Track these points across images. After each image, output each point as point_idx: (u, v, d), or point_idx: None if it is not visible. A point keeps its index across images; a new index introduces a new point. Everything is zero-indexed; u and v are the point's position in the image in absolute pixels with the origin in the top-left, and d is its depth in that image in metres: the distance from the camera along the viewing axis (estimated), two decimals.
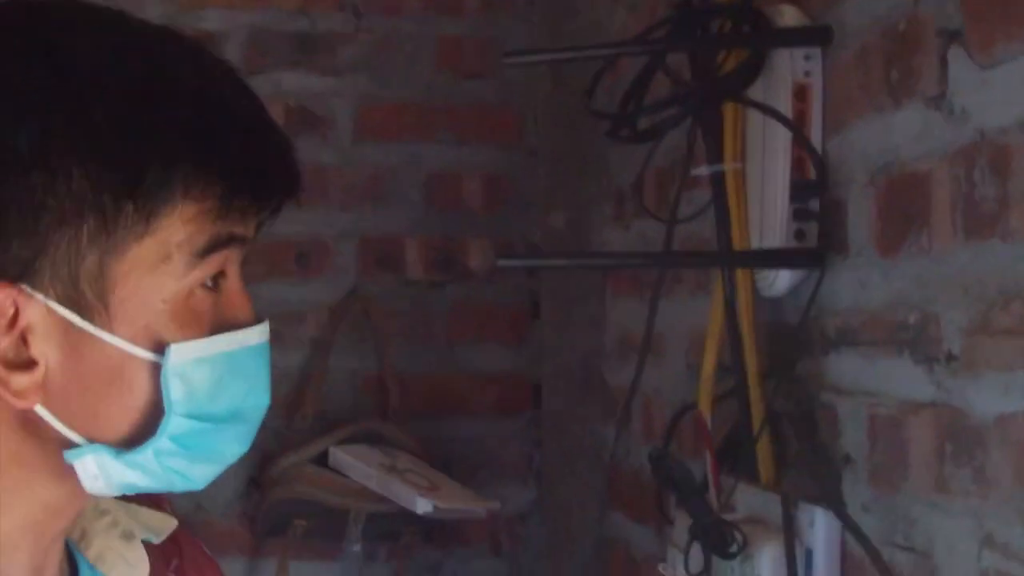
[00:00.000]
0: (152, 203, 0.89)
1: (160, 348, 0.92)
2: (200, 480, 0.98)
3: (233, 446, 0.98)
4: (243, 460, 2.94)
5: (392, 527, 2.48)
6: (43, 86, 0.89)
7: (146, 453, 0.93)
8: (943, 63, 1.18)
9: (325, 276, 2.63)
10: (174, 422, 0.92)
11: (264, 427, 2.98)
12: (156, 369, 0.92)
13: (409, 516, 2.40)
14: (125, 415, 0.93)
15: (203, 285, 0.94)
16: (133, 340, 0.91)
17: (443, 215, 2.67)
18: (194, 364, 0.93)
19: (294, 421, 2.56)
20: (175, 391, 0.92)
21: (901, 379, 1.26)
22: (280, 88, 2.60)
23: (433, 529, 2.53)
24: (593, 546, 2.38)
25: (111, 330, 0.91)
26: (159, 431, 0.93)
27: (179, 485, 0.97)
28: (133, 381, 0.92)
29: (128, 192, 0.89)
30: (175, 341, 0.92)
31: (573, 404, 2.50)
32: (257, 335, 0.97)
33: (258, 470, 2.55)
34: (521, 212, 2.67)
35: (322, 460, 2.48)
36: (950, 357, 1.17)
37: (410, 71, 2.66)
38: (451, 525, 2.57)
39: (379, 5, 2.65)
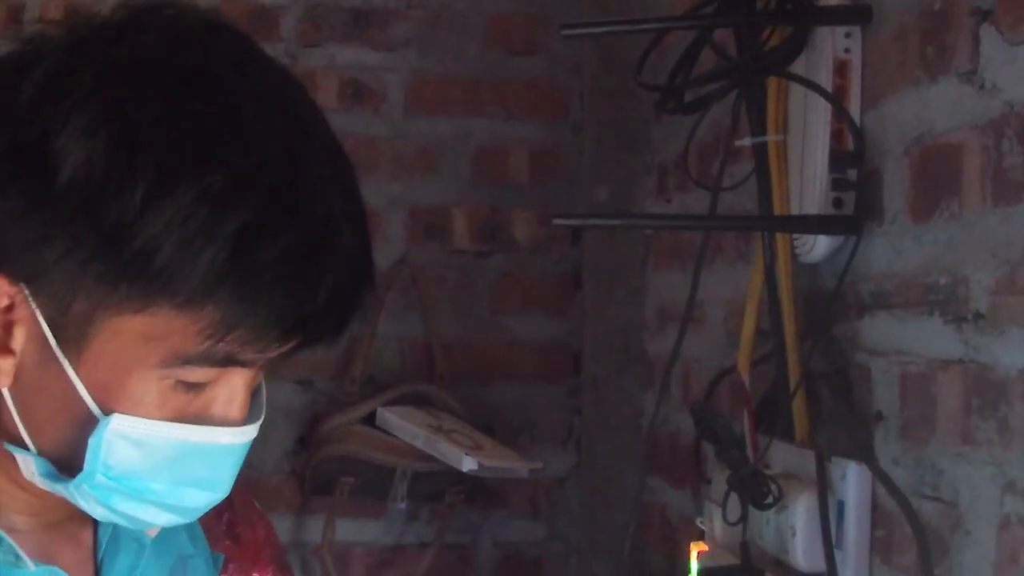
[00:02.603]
0: (149, 292, 0.89)
1: (108, 410, 0.93)
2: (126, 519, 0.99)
3: (154, 518, 0.98)
4: (293, 420, 2.92)
5: (436, 487, 2.49)
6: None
7: (68, 486, 0.95)
8: (975, 40, 1.22)
9: (375, 244, 2.59)
10: (96, 478, 0.94)
11: (314, 389, 2.98)
12: (95, 424, 0.93)
13: (453, 477, 2.42)
14: (64, 442, 0.95)
15: (179, 382, 0.93)
16: (90, 389, 0.93)
17: (490, 187, 2.67)
18: (129, 439, 0.93)
19: (343, 384, 2.57)
20: (103, 453, 0.93)
21: (931, 338, 1.30)
22: (334, 62, 2.64)
23: (475, 490, 2.54)
24: (632, 510, 2.43)
25: (76, 370, 0.93)
26: (79, 477, 0.94)
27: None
28: (77, 421, 0.94)
29: (126, 273, 0.89)
30: (123, 412, 0.93)
31: (613, 372, 2.52)
32: (228, 436, 0.96)
33: (307, 430, 2.58)
34: (566, 185, 2.68)
35: (370, 421, 2.48)
36: (977, 316, 1.21)
37: (460, 47, 2.67)
38: (492, 488, 2.59)
39: None
